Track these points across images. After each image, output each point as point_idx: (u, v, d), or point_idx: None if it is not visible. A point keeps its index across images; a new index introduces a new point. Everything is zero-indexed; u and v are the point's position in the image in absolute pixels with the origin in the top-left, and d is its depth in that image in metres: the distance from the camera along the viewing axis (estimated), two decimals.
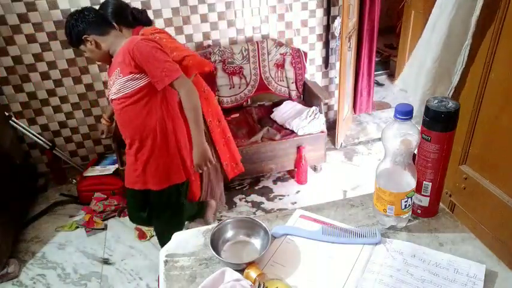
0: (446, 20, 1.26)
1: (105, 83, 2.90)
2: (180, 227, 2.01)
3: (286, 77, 3.02)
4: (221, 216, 2.56)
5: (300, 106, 2.90)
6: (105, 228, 2.55)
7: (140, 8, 2.01)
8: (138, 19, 1.94)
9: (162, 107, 1.64)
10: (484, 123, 1.25)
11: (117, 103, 1.62)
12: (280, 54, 2.95)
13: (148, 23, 1.99)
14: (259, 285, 0.75)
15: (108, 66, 1.73)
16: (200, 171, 1.74)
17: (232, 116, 2.95)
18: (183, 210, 1.99)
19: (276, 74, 3.01)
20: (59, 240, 2.48)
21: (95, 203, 2.65)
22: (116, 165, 2.76)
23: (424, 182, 0.89)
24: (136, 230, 2.49)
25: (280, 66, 2.98)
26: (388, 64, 4.54)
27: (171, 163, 1.72)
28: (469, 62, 1.26)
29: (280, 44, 2.96)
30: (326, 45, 3.18)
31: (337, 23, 3.02)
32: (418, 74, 1.41)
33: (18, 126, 2.70)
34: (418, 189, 0.90)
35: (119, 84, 1.56)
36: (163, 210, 1.91)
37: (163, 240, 2.06)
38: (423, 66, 1.38)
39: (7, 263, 2.22)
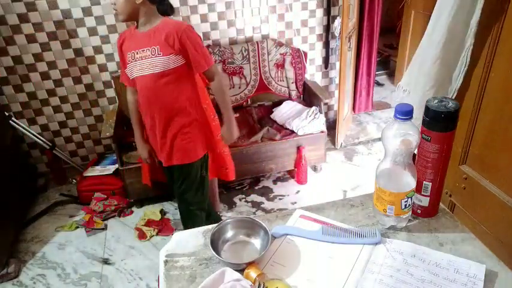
0: (445, 20, 1.26)
1: (105, 83, 2.90)
2: (203, 202, 2.00)
3: (286, 77, 3.02)
4: (221, 216, 2.56)
5: (300, 106, 2.90)
6: (105, 228, 2.55)
7: None
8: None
9: (192, 88, 1.78)
10: (484, 123, 1.25)
11: (149, 80, 1.68)
12: (280, 54, 2.95)
13: (169, 12, 1.84)
14: (259, 285, 0.75)
15: (119, 39, 1.76)
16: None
17: None
18: (206, 184, 1.98)
19: (276, 74, 3.01)
20: (59, 240, 2.48)
21: (95, 203, 2.65)
22: (116, 165, 2.76)
23: (424, 182, 0.89)
24: (136, 230, 2.50)
25: (280, 66, 2.98)
26: (388, 64, 4.54)
27: (198, 135, 1.82)
28: (470, 63, 1.26)
29: (280, 44, 2.96)
30: (326, 45, 3.18)
31: (337, 23, 3.02)
32: (419, 74, 1.40)
33: (18, 126, 2.70)
34: (418, 189, 0.90)
35: (157, 61, 1.64)
36: (187, 185, 1.91)
37: (188, 216, 2.02)
38: (423, 67, 1.37)
39: (7, 263, 2.22)
